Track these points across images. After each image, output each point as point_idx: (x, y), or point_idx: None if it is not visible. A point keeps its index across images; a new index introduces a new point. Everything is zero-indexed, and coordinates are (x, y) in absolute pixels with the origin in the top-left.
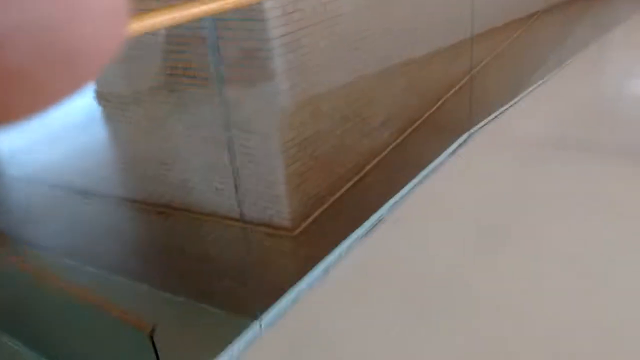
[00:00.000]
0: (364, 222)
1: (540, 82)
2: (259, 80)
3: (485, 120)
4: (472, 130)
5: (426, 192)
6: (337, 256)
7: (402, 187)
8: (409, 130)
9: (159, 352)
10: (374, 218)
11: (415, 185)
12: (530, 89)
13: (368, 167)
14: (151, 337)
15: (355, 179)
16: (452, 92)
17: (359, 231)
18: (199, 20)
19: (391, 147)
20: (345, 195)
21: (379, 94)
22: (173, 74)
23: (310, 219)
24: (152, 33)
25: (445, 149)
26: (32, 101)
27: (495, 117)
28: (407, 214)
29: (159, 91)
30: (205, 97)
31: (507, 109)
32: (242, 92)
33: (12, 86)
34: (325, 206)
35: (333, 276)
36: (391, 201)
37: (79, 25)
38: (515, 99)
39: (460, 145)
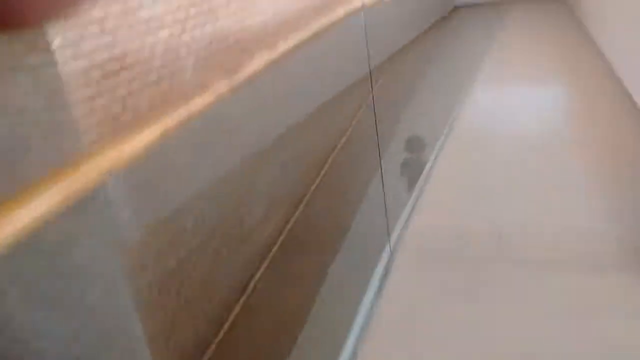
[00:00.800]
0: None
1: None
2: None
3: (400, 224)
4: (389, 246)
5: None
6: None
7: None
8: (293, 219)
9: None
10: None
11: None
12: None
13: (253, 282)
14: None
15: (241, 301)
16: (334, 153)
17: None
18: None
19: (276, 247)
20: (232, 328)
21: (256, 184)
22: None
23: None
24: None
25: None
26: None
27: (410, 214)
28: None
29: None
30: None
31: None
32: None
33: None
34: (209, 353)
35: None
36: None
37: None
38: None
39: (380, 285)
